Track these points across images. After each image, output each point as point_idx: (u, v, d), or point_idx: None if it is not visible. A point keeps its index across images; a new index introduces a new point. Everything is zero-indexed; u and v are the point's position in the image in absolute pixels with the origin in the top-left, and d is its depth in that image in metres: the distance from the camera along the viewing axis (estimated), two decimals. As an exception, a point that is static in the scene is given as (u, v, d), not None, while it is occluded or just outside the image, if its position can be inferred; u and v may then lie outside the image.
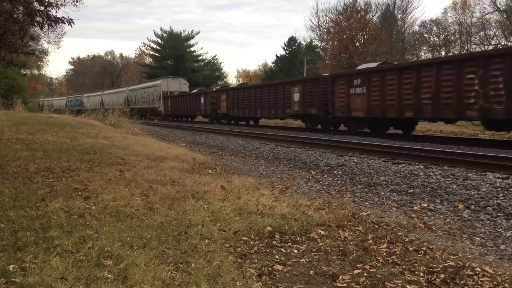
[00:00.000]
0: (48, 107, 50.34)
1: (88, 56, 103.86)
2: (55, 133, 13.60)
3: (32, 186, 6.02)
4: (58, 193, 5.61)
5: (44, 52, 51.56)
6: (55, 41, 42.36)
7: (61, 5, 8.82)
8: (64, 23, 7.91)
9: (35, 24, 8.08)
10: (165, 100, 42.75)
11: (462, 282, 3.34)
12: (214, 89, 34.74)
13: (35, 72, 68.25)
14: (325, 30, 54.00)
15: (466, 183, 7.09)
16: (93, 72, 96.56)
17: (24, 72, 52.57)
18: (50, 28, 8.26)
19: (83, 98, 65.52)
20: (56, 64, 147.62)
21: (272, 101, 24.57)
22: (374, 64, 19.18)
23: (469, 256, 4.12)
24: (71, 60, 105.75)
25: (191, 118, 41.36)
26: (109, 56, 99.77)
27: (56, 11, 8.30)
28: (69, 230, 4.14)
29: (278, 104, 23.88)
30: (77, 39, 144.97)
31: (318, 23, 54.87)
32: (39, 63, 59.06)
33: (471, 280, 3.36)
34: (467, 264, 3.68)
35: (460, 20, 53.72)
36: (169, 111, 42.01)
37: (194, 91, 39.43)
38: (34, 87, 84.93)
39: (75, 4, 10.42)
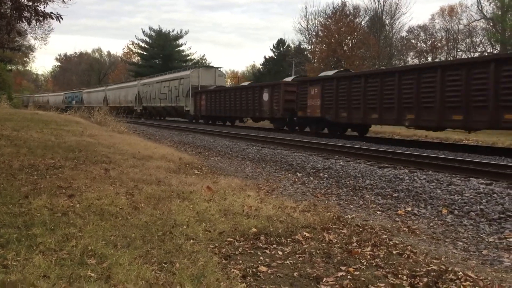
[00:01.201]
0: (34, 103, 49.37)
1: (75, 53, 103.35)
2: (40, 130, 13.43)
3: (16, 183, 5.93)
4: (42, 190, 5.54)
5: (31, 48, 51.11)
6: (42, 37, 41.88)
7: (49, 0, 8.73)
8: (52, 18, 7.86)
9: (23, 19, 8.01)
10: (196, 96, 32.30)
11: (444, 286, 3.36)
12: (291, 80, 23.64)
13: (21, 68, 67.46)
14: (314, 33, 54.52)
15: (450, 188, 7.16)
16: (80, 69, 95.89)
17: (10, 68, 51.92)
18: (37, 23, 8.21)
19: (83, 94, 58.68)
20: (43, 61, 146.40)
21: (455, 96, 12.81)
22: None
23: (452, 260, 4.16)
24: (58, 57, 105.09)
25: (232, 122, 30.53)
26: (96, 54, 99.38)
27: (44, 6, 8.25)
28: (52, 228, 4.09)
29: (475, 103, 12.24)
30: (64, 36, 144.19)
31: (307, 26, 55.43)
32: (25, 59, 58.42)
33: (454, 284, 3.39)
34: (449, 269, 3.71)
35: (447, 27, 54.54)
36: (202, 111, 31.38)
37: (245, 83, 30.37)
38: (20, 83, 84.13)
39: (63, 1, 10.33)
